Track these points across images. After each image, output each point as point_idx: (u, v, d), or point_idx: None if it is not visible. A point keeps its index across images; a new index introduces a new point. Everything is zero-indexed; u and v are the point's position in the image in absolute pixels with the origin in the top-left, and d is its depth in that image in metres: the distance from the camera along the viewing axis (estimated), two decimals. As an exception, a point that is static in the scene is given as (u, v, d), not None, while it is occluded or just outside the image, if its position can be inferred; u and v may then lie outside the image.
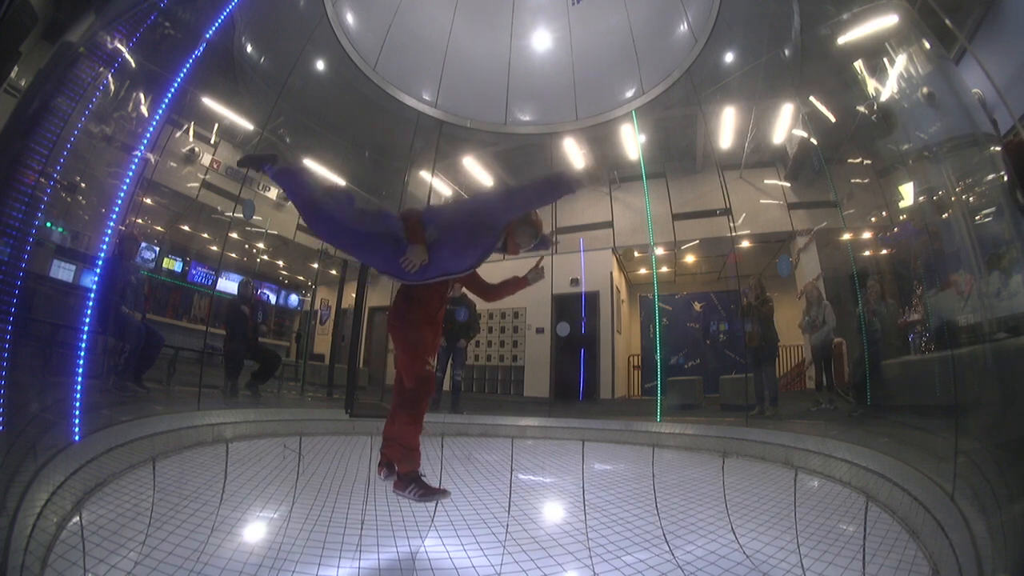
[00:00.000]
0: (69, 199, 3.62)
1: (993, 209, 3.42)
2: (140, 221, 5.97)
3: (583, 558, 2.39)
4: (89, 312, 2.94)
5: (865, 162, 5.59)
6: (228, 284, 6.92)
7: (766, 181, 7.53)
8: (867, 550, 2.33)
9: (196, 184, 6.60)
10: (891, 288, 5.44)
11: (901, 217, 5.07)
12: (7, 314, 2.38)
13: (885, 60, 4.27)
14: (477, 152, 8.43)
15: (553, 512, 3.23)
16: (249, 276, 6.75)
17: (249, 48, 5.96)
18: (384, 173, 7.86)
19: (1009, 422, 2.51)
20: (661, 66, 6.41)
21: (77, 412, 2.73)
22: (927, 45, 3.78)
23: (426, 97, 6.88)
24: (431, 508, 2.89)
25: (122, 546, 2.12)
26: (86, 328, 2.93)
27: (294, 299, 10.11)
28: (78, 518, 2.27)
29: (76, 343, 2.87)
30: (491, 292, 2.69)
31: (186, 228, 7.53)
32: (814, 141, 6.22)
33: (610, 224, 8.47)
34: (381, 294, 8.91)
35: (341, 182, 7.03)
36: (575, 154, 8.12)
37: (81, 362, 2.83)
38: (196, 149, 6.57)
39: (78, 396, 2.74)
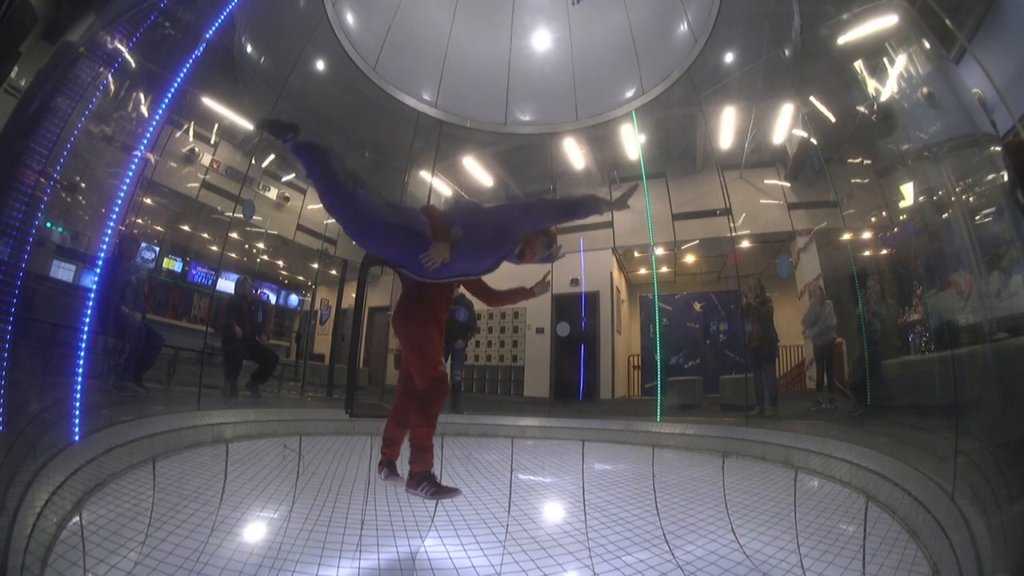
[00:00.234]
0: (69, 199, 3.62)
1: (993, 209, 3.42)
2: (140, 221, 5.97)
3: (583, 558, 2.39)
4: (89, 312, 2.94)
5: (865, 162, 5.59)
6: (228, 284, 6.91)
7: (766, 181, 7.53)
8: (867, 550, 2.33)
9: (196, 184, 6.60)
10: (891, 288, 5.44)
11: (901, 217, 5.07)
12: (7, 314, 2.38)
13: (885, 60, 4.27)
14: (477, 152, 8.43)
15: (553, 512, 3.23)
16: (248, 276, 6.74)
17: (249, 48, 5.95)
18: (384, 173, 7.86)
19: (1009, 422, 2.51)
20: (661, 66, 6.41)
21: (77, 412, 2.73)
22: (927, 45, 3.78)
23: (426, 97, 6.88)
24: (431, 508, 2.89)
25: (122, 546, 2.12)
26: (86, 328, 2.93)
27: (294, 299, 10.11)
28: (78, 518, 2.27)
29: (76, 343, 2.86)
30: (495, 298, 2.69)
31: (186, 228, 7.54)
32: (814, 141, 6.22)
33: (610, 224, 8.47)
34: (381, 294, 8.91)
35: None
36: (575, 154, 8.12)
37: (81, 362, 2.83)
38: (196, 149, 6.57)
39: (78, 396, 2.74)
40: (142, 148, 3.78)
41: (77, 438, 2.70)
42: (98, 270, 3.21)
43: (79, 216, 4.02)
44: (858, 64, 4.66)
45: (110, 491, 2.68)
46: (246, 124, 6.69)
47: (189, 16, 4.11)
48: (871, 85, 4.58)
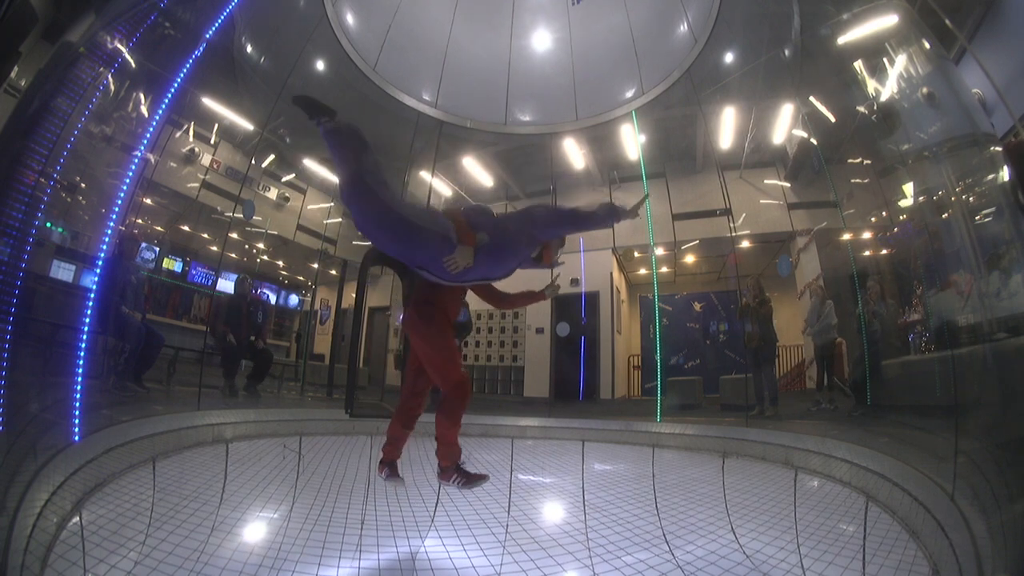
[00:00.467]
0: (69, 199, 3.62)
1: (993, 209, 3.42)
2: (140, 221, 5.97)
3: (583, 558, 2.39)
4: (89, 312, 2.94)
5: (865, 162, 5.58)
6: (228, 284, 6.92)
7: (766, 181, 7.53)
8: (867, 550, 2.33)
9: (196, 184, 6.60)
10: (891, 288, 5.43)
11: (901, 217, 5.07)
12: (7, 314, 2.38)
13: (885, 60, 4.27)
14: (477, 152, 8.43)
15: (553, 512, 3.23)
16: (247, 275, 6.74)
17: (249, 48, 5.95)
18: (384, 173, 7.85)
19: (1009, 422, 2.51)
20: (661, 66, 6.41)
21: (77, 412, 2.73)
22: (927, 45, 3.78)
23: (426, 97, 6.88)
24: (431, 508, 2.90)
25: (122, 546, 2.12)
26: (86, 328, 2.92)
27: (294, 299, 10.11)
28: (78, 518, 2.27)
29: (76, 343, 2.86)
30: (505, 301, 2.71)
31: (186, 228, 7.53)
32: (814, 141, 6.21)
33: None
34: (381, 294, 8.91)
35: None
36: (575, 154, 8.12)
37: (81, 362, 2.83)
38: (196, 149, 6.57)
39: (78, 396, 2.74)
40: (142, 148, 3.78)
41: (77, 438, 2.69)
42: (98, 270, 3.21)
43: (79, 216, 4.02)
44: (858, 64, 4.66)
45: (110, 491, 2.68)
46: (246, 124, 6.70)
47: (189, 16, 4.11)
48: (871, 85, 4.58)
